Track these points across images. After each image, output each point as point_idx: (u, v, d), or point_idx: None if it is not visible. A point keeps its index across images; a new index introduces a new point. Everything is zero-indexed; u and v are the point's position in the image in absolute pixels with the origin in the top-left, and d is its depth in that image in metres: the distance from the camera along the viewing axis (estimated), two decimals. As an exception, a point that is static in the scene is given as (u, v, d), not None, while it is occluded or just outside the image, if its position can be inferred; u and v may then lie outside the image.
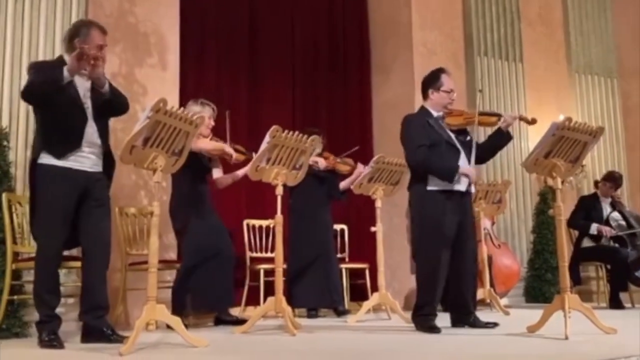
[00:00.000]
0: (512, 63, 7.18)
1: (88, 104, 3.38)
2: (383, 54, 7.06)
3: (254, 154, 4.51)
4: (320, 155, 5.34)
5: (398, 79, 6.80)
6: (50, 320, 3.30)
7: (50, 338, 3.22)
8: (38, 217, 3.32)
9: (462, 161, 3.91)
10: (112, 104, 3.44)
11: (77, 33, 3.41)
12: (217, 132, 4.61)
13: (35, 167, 3.32)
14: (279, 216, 3.98)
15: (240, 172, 4.64)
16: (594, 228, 5.89)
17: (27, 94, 3.27)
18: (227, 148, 4.42)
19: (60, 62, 3.38)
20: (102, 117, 3.45)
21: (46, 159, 3.31)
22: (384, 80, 7.00)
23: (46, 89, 3.22)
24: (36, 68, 3.37)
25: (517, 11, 7.33)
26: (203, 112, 4.24)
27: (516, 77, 7.18)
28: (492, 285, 5.55)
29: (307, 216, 5.21)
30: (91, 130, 3.38)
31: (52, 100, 3.23)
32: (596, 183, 6.37)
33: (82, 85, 3.37)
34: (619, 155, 7.69)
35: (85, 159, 3.37)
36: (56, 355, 3.04)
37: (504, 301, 5.76)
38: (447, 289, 4.00)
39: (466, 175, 3.89)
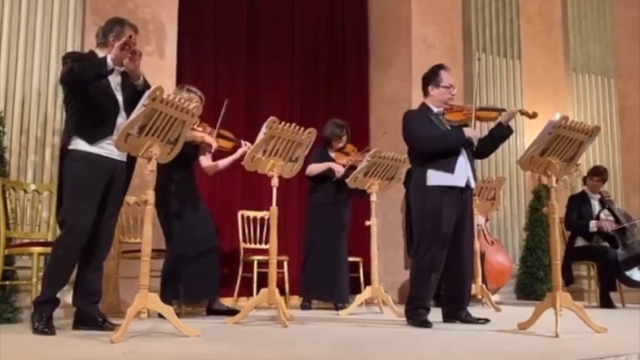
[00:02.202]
0: (510, 60, 7.19)
1: (119, 96, 3.47)
2: (382, 48, 7.04)
3: (242, 142, 4.50)
4: (342, 149, 5.32)
5: (396, 74, 6.80)
6: (52, 301, 3.30)
7: (43, 324, 3.21)
8: (68, 200, 3.33)
9: (462, 157, 3.92)
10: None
11: (110, 30, 3.52)
12: (209, 119, 4.58)
13: (66, 153, 3.36)
14: (274, 208, 3.98)
15: (227, 160, 4.62)
16: (593, 225, 5.89)
17: (68, 79, 3.31)
18: (207, 138, 4.39)
19: (92, 55, 3.50)
20: (130, 111, 3.47)
21: (78, 144, 3.35)
22: (382, 74, 6.99)
23: (88, 75, 3.29)
24: (74, 57, 3.46)
25: (517, 8, 7.33)
26: (191, 100, 4.22)
27: (514, 74, 7.18)
28: (484, 281, 5.57)
29: (323, 215, 5.19)
30: (122, 120, 3.43)
31: (88, 88, 3.31)
32: (584, 180, 6.38)
33: (113, 79, 3.46)
34: (614, 155, 7.71)
35: (114, 147, 3.36)
36: (48, 342, 3.03)
37: (495, 297, 5.79)
38: (441, 283, 4.02)
39: (470, 139, 3.91)
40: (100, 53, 3.49)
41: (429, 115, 4.02)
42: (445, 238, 3.84)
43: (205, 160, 4.63)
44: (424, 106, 4.10)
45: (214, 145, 4.42)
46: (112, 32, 3.50)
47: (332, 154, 5.30)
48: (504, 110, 4.08)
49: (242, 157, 4.30)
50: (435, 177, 3.88)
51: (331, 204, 5.21)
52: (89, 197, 3.32)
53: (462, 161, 3.92)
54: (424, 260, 3.86)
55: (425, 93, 4.12)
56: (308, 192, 5.43)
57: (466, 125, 4.08)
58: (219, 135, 4.47)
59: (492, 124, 4.20)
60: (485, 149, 4.14)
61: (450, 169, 3.88)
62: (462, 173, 3.91)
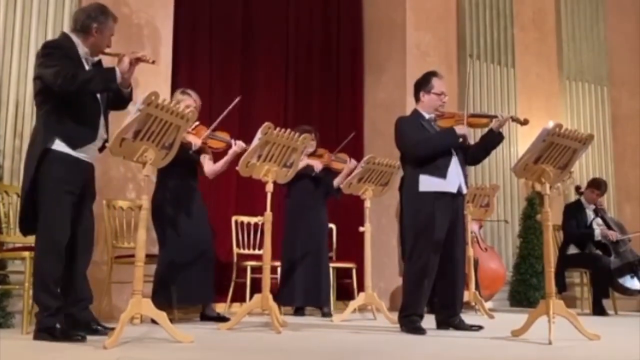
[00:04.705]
0: (504, 68, 7.22)
1: (99, 96, 3.40)
2: (376, 53, 7.06)
3: (232, 141, 4.44)
4: (313, 153, 5.33)
5: (391, 80, 6.82)
6: (57, 312, 3.23)
7: (67, 333, 3.16)
8: (47, 206, 3.22)
9: (454, 163, 3.94)
10: (125, 101, 3.45)
11: (95, 18, 3.39)
12: (204, 122, 4.54)
13: (46, 152, 3.22)
14: (269, 213, 3.97)
15: (220, 163, 4.52)
16: (598, 233, 5.91)
17: (68, 85, 3.15)
18: (190, 137, 4.29)
19: (69, 42, 3.36)
20: (107, 112, 3.47)
21: (60, 146, 3.25)
22: (376, 80, 7.01)
23: (95, 88, 3.26)
24: (61, 52, 3.28)
25: (511, 16, 7.37)
26: (183, 101, 4.26)
27: (507, 82, 7.22)
28: (477, 288, 5.58)
29: (303, 216, 5.19)
30: (101, 123, 3.39)
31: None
32: (577, 189, 6.38)
33: None
34: (606, 163, 7.75)
35: (92, 151, 3.36)
36: (40, 347, 3.01)
37: (488, 304, 5.79)
38: (435, 290, 4.03)
39: (464, 136, 3.93)
40: (75, 39, 3.36)
41: (421, 122, 4.05)
42: (438, 244, 3.84)
43: (207, 165, 4.58)
44: (415, 112, 4.14)
45: (194, 142, 4.31)
46: (95, 22, 3.38)
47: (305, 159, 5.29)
48: (495, 116, 4.10)
49: (236, 158, 4.28)
50: (427, 183, 3.90)
51: (306, 208, 5.21)
52: (67, 202, 3.24)
53: (454, 167, 3.94)
54: (417, 266, 3.86)
55: (417, 99, 4.15)
56: (284, 199, 5.39)
57: None
58: (212, 137, 4.43)
59: (484, 131, 4.21)
60: (477, 155, 4.16)
61: (442, 174, 3.90)
62: (453, 179, 3.93)
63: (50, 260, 3.23)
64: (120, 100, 3.44)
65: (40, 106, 3.33)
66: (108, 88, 3.29)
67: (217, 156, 4.65)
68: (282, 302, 5.09)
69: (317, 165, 5.22)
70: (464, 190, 4.03)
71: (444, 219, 3.86)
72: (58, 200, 3.23)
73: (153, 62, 3.34)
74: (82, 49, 3.37)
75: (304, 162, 5.17)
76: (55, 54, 3.26)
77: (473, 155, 4.11)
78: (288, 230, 5.24)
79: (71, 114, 3.26)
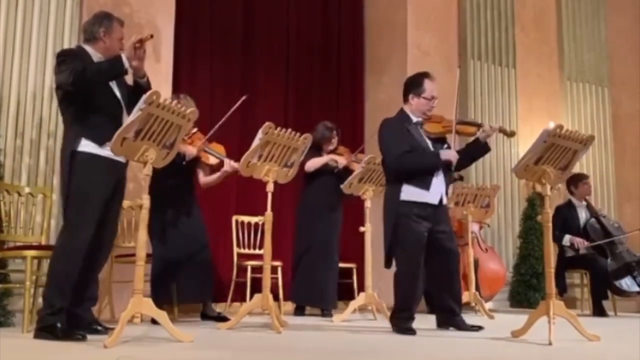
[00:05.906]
0: (504, 68, 7.22)
1: (119, 94, 3.45)
2: (377, 54, 7.06)
3: (225, 160, 4.37)
4: (334, 151, 5.32)
5: (391, 80, 6.81)
6: (60, 312, 3.23)
7: (68, 332, 3.16)
8: (75, 206, 3.25)
9: (438, 174, 3.88)
10: (144, 92, 3.44)
11: (100, 24, 3.47)
12: (204, 125, 4.52)
13: (74, 154, 3.27)
14: (269, 213, 3.97)
15: (211, 178, 4.51)
16: (566, 239, 5.91)
17: (80, 80, 3.21)
18: (183, 147, 4.24)
19: (82, 51, 3.44)
20: (130, 109, 3.46)
21: (87, 147, 3.28)
22: (377, 80, 7.01)
23: (105, 77, 3.30)
24: (72, 55, 3.37)
25: (512, 16, 7.37)
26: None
27: (508, 83, 7.21)
28: (477, 288, 5.58)
29: (318, 213, 5.16)
30: (125, 120, 3.40)
31: (93, 88, 3.28)
32: (570, 190, 6.34)
33: None
34: (606, 164, 7.74)
35: None
36: (41, 346, 3.02)
37: (488, 305, 5.79)
38: (434, 291, 4.03)
39: (449, 161, 3.85)
40: (89, 48, 3.45)
41: (407, 126, 3.96)
42: (419, 249, 3.81)
43: (201, 175, 4.57)
44: (402, 114, 4.04)
45: (189, 153, 4.30)
46: (102, 27, 3.46)
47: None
48: (482, 125, 4.02)
49: (226, 177, 4.32)
50: (409, 192, 3.84)
51: (323, 204, 5.18)
52: (96, 206, 3.27)
53: (438, 178, 3.89)
54: (402, 270, 3.85)
55: (406, 100, 4.05)
56: (300, 194, 5.40)
57: (444, 139, 4.05)
58: (207, 151, 4.41)
59: (471, 139, 4.13)
60: (462, 162, 4.03)
61: (425, 186, 3.85)
62: (436, 190, 3.88)
63: (66, 261, 3.25)
64: (140, 92, 3.38)
65: (64, 112, 3.41)
66: (119, 73, 3.31)
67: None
68: (303, 301, 5.16)
69: (342, 160, 5.20)
70: (445, 201, 3.96)
71: (423, 227, 3.82)
72: (86, 204, 3.26)
73: (151, 37, 3.35)
74: (95, 57, 3.44)
75: (326, 157, 5.18)
76: (66, 60, 3.32)
77: (458, 162, 4.04)
78: (304, 225, 5.21)
79: (93, 112, 3.32)
